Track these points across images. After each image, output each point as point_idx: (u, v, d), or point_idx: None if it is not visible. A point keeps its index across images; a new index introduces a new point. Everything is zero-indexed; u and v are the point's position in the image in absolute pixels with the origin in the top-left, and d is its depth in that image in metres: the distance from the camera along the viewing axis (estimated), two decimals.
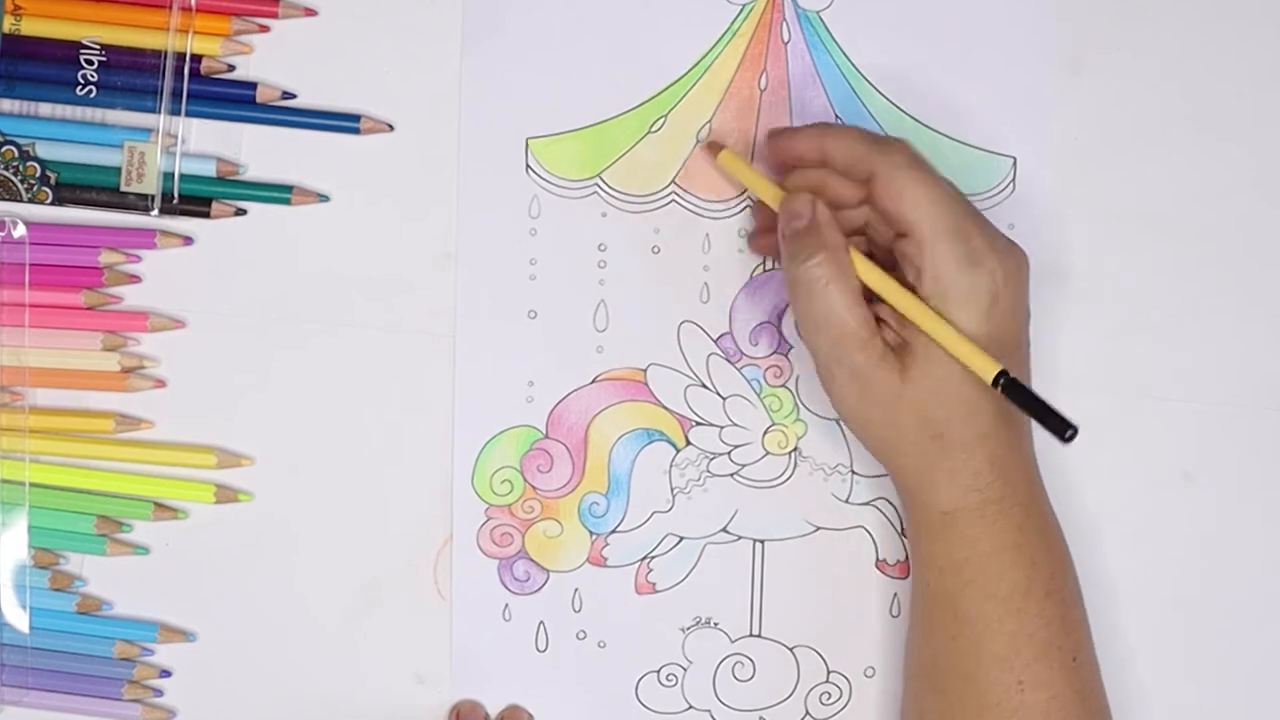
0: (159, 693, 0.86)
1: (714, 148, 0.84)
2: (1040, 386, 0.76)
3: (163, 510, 0.85)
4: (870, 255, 0.78)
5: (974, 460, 0.76)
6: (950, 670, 0.77)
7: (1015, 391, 0.74)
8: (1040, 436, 0.76)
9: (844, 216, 0.79)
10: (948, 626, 0.77)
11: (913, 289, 0.76)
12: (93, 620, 0.85)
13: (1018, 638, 0.76)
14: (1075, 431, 0.73)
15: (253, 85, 0.84)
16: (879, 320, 0.77)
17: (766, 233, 0.83)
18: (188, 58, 0.83)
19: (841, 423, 0.85)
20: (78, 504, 0.84)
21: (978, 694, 0.76)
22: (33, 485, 0.84)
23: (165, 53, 0.83)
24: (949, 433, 0.76)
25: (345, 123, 0.84)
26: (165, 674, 0.86)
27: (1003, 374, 0.74)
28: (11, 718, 0.85)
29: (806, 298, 0.77)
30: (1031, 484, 0.78)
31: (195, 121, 0.84)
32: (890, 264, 0.78)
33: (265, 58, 0.84)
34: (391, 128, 0.84)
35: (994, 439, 0.76)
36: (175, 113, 0.83)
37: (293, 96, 0.84)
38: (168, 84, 0.83)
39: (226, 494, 0.85)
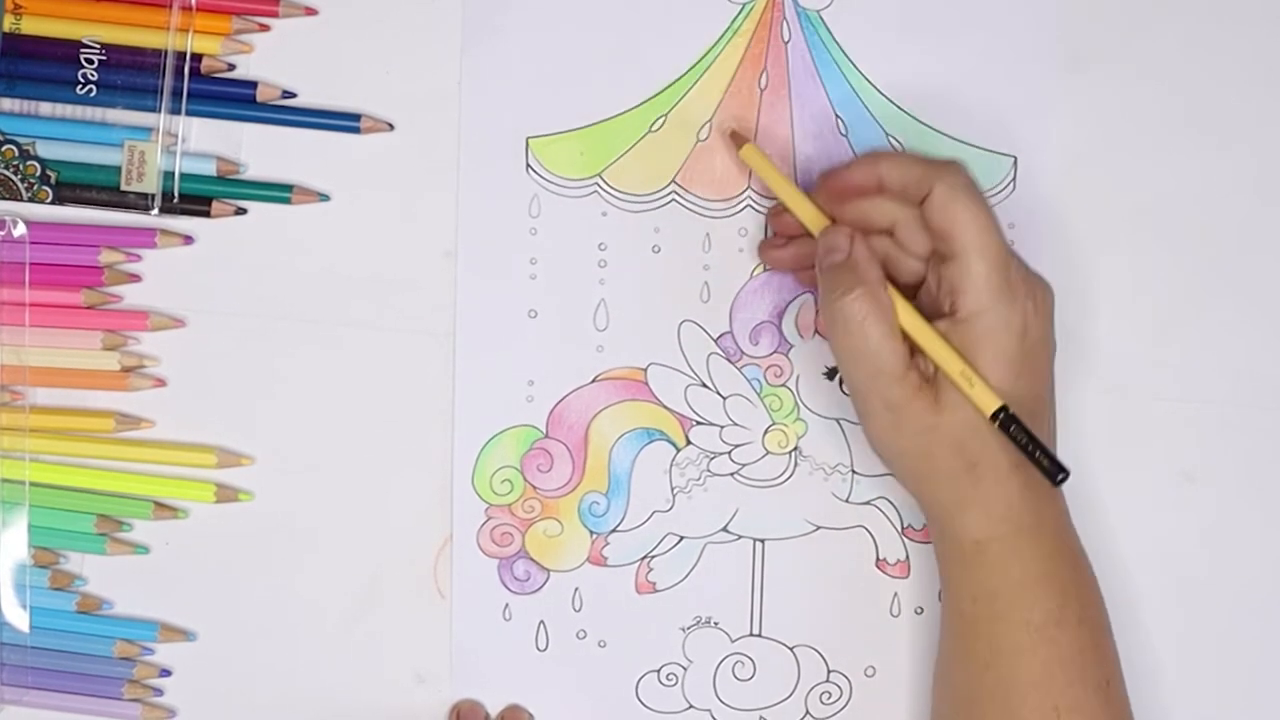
0: (159, 692, 0.86)
1: (737, 139, 0.83)
2: None
3: (163, 509, 0.85)
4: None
5: (1007, 490, 0.76)
6: (985, 699, 0.78)
7: (1013, 428, 0.75)
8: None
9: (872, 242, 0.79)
10: (981, 654, 0.77)
11: (940, 313, 0.77)
12: (93, 619, 0.85)
13: (1051, 664, 0.76)
14: (1066, 475, 0.75)
15: (253, 84, 0.84)
16: (914, 351, 0.77)
17: (779, 246, 0.83)
18: (188, 57, 0.83)
19: (842, 423, 0.85)
20: (78, 503, 0.84)
21: None
22: (33, 484, 0.84)
23: (165, 52, 0.83)
24: (983, 462, 0.76)
25: (345, 122, 0.84)
26: (165, 673, 0.86)
27: (1002, 409, 0.75)
28: (12, 717, 0.85)
29: (844, 333, 0.77)
30: (1060, 513, 0.79)
31: (195, 120, 0.84)
32: (910, 288, 0.79)
33: (265, 57, 0.84)
34: (392, 127, 0.84)
35: (1027, 468, 0.76)
36: (175, 112, 0.83)
37: (293, 96, 0.84)
38: (168, 83, 0.83)
39: (227, 493, 0.85)
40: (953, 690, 0.80)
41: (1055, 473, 0.75)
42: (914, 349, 0.77)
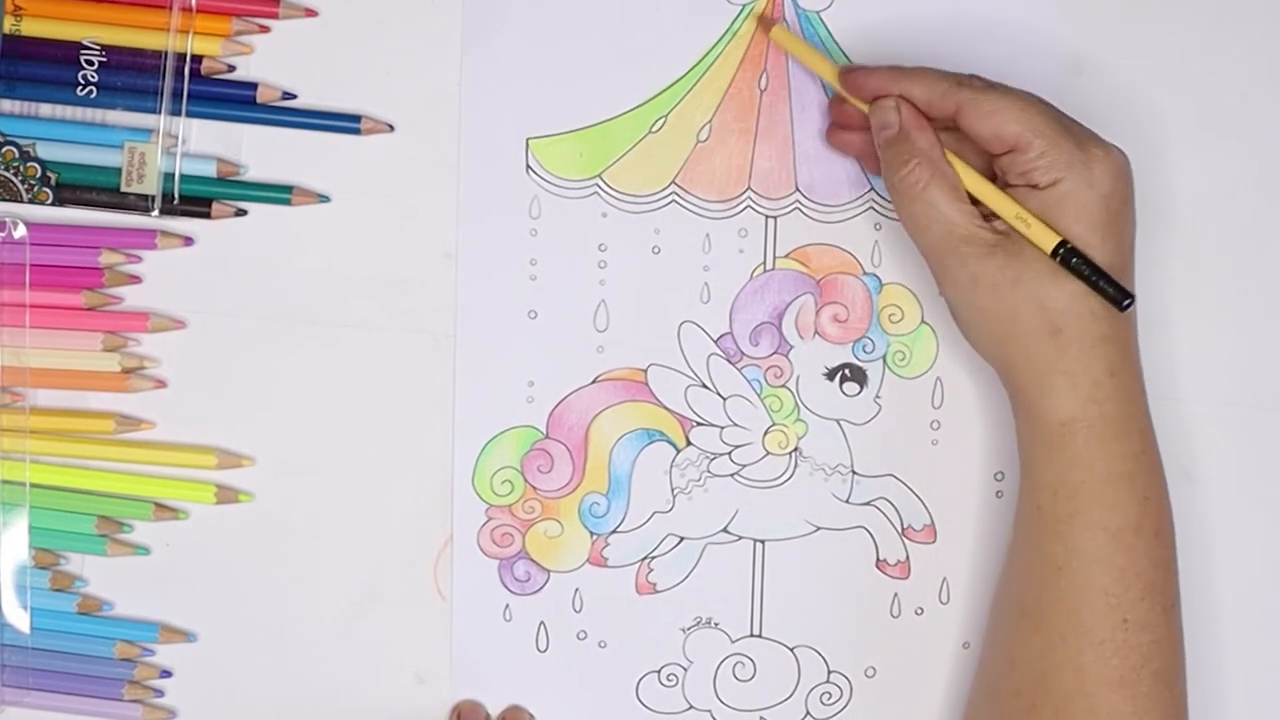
0: (160, 693, 0.86)
1: (765, 23, 0.83)
2: None
3: (163, 511, 0.85)
4: None
5: (1093, 367, 0.75)
6: (1053, 604, 0.76)
7: (1074, 260, 0.75)
8: None
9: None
10: (1055, 556, 0.76)
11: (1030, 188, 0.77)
12: (93, 620, 0.85)
13: (1127, 574, 0.75)
14: (1132, 299, 0.75)
15: (253, 85, 0.84)
16: (987, 216, 0.77)
17: (843, 129, 0.83)
18: (188, 58, 0.83)
19: (842, 423, 0.85)
20: (78, 504, 0.84)
21: (1082, 630, 0.75)
22: (33, 486, 0.84)
23: (166, 53, 0.83)
24: (1068, 329, 0.75)
25: (345, 123, 0.84)
26: (166, 674, 0.86)
27: (1062, 243, 0.75)
28: (12, 718, 0.85)
29: (907, 202, 0.78)
30: (1146, 413, 0.77)
31: (196, 122, 0.84)
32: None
33: (265, 58, 0.84)
34: (392, 128, 0.84)
35: (1113, 346, 0.75)
36: (176, 113, 0.83)
37: (293, 97, 0.84)
38: (168, 84, 0.83)
39: (227, 494, 0.85)
40: (1018, 597, 0.78)
41: (1121, 298, 0.74)
42: (986, 213, 0.77)
